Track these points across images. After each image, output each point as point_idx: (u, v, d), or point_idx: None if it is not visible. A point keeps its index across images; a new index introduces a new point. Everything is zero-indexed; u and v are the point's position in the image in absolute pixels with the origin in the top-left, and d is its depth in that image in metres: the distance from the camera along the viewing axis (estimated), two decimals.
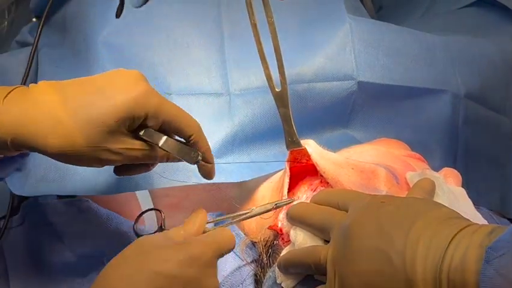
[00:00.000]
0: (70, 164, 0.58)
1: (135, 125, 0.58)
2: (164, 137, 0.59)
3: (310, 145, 0.69)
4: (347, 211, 0.56)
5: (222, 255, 0.58)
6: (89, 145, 0.55)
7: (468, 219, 0.50)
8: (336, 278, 0.52)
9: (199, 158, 0.60)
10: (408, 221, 0.50)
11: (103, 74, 0.59)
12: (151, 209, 0.71)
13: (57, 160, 0.57)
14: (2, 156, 0.62)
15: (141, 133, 0.59)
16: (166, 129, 0.60)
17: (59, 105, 0.55)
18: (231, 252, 0.74)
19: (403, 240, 0.48)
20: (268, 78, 0.66)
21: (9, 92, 0.56)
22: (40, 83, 0.58)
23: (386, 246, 0.49)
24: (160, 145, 0.59)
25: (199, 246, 0.56)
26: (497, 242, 0.44)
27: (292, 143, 0.69)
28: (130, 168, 0.63)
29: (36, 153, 0.68)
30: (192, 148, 0.60)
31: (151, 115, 0.58)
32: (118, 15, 0.48)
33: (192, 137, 0.60)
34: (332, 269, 0.53)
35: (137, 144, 0.58)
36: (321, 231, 0.58)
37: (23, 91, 0.57)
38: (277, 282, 0.61)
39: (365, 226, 0.52)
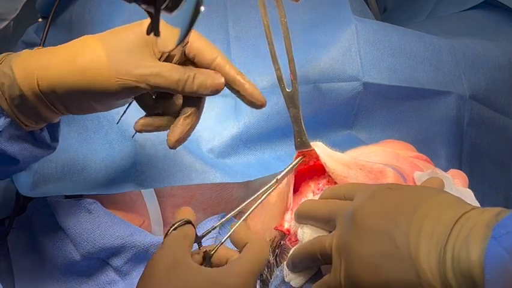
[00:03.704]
0: (92, 99, 0.59)
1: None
2: None
3: (318, 146, 0.69)
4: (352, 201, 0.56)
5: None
6: (115, 61, 0.57)
7: (473, 205, 0.50)
8: (341, 263, 0.52)
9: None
10: (413, 204, 0.49)
11: None
12: None
13: (81, 96, 0.59)
14: (41, 125, 0.63)
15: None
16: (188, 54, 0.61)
17: (90, 37, 0.60)
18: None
19: (408, 221, 0.48)
20: (280, 78, 0.66)
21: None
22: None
23: (391, 228, 0.48)
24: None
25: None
26: (505, 220, 0.43)
27: (302, 143, 0.69)
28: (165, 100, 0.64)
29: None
30: None
31: None
32: (148, 33, 0.50)
33: (218, 59, 0.61)
34: (337, 255, 0.53)
35: (165, 65, 0.59)
36: (327, 222, 0.58)
37: None
38: (286, 280, 0.61)
39: (370, 209, 0.52)
